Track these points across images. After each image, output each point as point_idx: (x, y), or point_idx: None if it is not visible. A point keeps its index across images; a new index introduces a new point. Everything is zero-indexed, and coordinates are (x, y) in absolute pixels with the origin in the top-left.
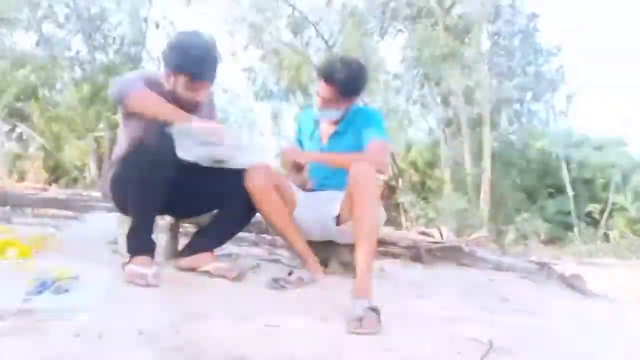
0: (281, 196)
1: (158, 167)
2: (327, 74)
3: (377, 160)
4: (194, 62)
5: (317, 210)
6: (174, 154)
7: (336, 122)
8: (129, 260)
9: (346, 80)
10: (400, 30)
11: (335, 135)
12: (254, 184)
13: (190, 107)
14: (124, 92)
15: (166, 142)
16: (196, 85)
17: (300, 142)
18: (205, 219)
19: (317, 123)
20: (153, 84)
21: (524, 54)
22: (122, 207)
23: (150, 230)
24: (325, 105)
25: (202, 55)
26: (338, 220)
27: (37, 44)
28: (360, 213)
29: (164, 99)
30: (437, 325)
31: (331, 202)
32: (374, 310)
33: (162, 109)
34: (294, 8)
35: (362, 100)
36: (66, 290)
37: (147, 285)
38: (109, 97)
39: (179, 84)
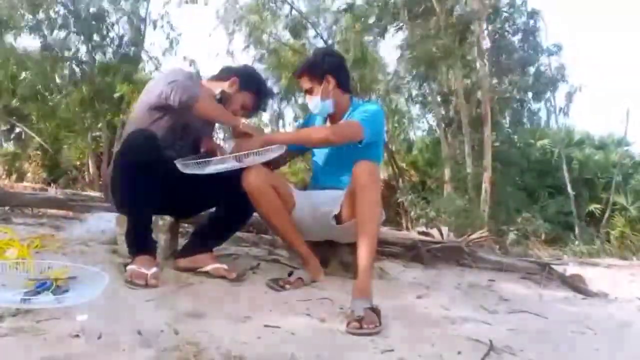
0: (279, 196)
1: (149, 165)
2: (297, 71)
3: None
4: (264, 102)
5: (316, 210)
6: (160, 153)
7: (340, 119)
8: (132, 261)
9: (309, 64)
10: (400, 29)
11: None
12: (251, 185)
13: (225, 120)
14: (194, 98)
15: (151, 142)
16: (250, 111)
17: None
18: (204, 218)
19: (324, 121)
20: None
21: (524, 52)
22: (121, 207)
23: (148, 230)
24: (309, 97)
25: (269, 99)
26: (338, 220)
27: (38, 44)
28: (363, 213)
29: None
30: (437, 325)
31: (331, 201)
32: (374, 310)
33: (221, 113)
34: (292, 7)
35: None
36: (65, 291)
37: (147, 286)
38: (111, 97)
39: (240, 100)
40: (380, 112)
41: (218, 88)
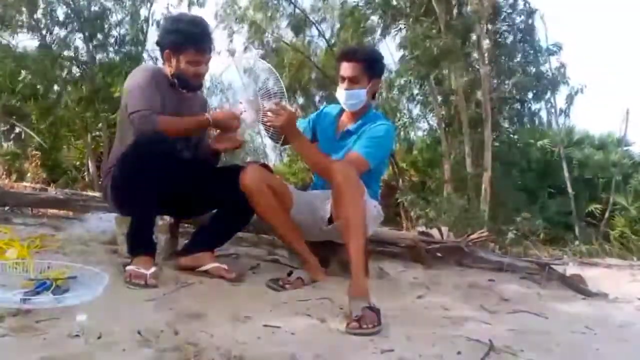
0: (277, 196)
1: (155, 165)
2: (350, 53)
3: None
4: (195, 36)
5: (314, 211)
6: (170, 152)
7: (354, 119)
8: (131, 261)
9: (369, 56)
10: (401, 29)
11: (348, 133)
12: (248, 186)
13: (196, 84)
14: (153, 126)
15: (161, 141)
16: (199, 57)
17: (308, 128)
18: (205, 219)
19: (337, 119)
20: (161, 80)
21: (524, 52)
22: (121, 208)
23: (150, 230)
24: (351, 86)
25: (199, 29)
26: (332, 222)
27: (37, 43)
28: (344, 213)
29: (172, 89)
30: (437, 325)
31: (326, 202)
32: (373, 309)
33: (186, 124)
34: (295, 6)
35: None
36: (65, 291)
37: (146, 286)
38: (111, 97)
39: (182, 62)
40: (388, 137)
41: (168, 74)
